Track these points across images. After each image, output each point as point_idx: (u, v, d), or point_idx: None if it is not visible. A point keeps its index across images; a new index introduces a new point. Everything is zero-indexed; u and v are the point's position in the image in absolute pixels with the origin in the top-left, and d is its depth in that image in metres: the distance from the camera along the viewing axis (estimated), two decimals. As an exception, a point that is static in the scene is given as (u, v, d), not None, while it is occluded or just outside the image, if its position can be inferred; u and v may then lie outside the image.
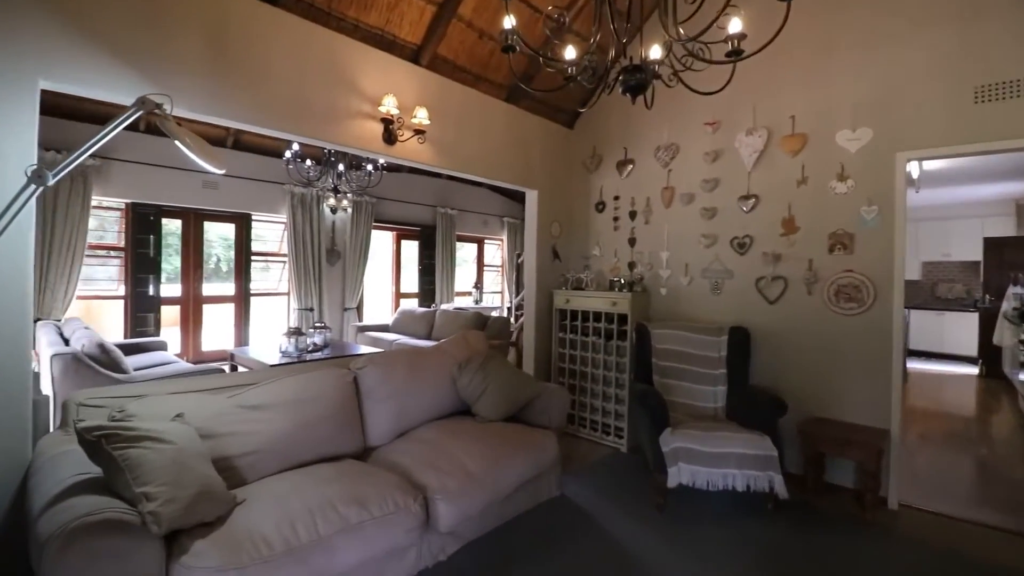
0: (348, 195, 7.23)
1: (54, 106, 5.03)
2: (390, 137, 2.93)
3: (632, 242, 4.13)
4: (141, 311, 5.83)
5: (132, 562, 1.38)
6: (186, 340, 6.32)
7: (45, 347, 3.29)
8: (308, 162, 5.28)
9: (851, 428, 3.00)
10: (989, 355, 6.68)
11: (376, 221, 7.68)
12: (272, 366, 4.35)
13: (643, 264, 4.04)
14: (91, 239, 5.72)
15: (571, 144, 4.45)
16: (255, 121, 2.48)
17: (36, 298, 4.92)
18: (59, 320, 4.55)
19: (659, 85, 2.09)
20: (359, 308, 7.70)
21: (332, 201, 7.20)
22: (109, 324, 5.82)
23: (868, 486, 2.83)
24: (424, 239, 8.41)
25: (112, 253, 5.81)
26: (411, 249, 8.46)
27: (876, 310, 3.02)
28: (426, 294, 8.48)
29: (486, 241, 9.56)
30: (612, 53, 1.88)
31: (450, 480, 2.17)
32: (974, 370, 7.18)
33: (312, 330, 5.50)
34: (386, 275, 8.46)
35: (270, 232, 7.09)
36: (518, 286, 8.69)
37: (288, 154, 4.89)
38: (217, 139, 6.23)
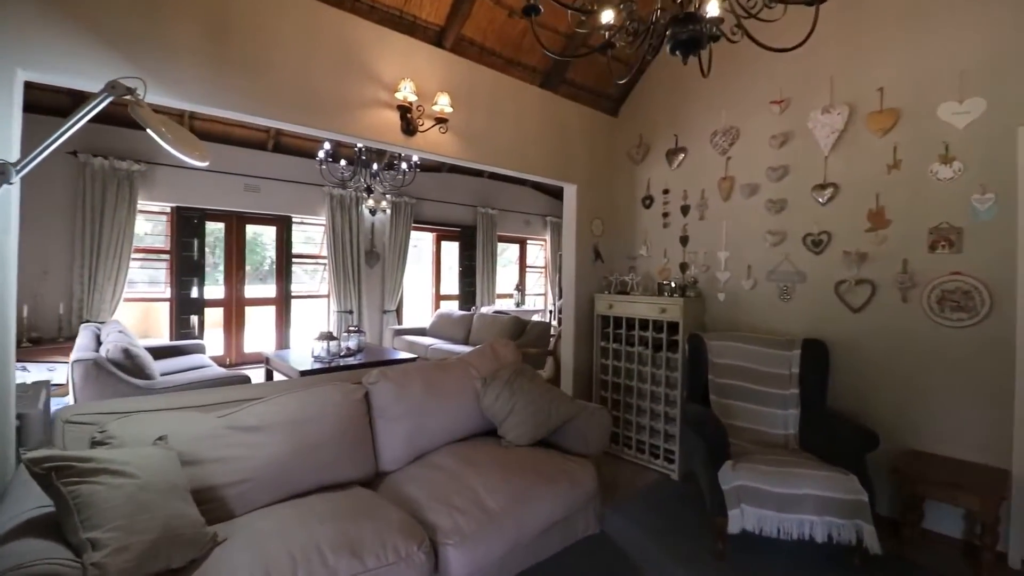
0: (387, 196, 7.12)
1: (99, 113, 5.14)
2: (409, 127, 2.66)
3: (684, 241, 3.67)
4: (185, 313, 5.91)
5: (63, 629, 1.15)
6: (228, 342, 6.38)
7: (75, 351, 3.25)
8: (342, 162, 5.14)
9: (960, 466, 2.45)
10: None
11: (415, 222, 7.53)
12: (303, 372, 4.22)
13: (697, 266, 3.58)
14: (144, 243, 5.87)
15: (615, 133, 4.04)
16: (259, 112, 2.27)
17: (85, 300, 5.04)
18: (101, 323, 4.61)
19: (718, 49, 1.70)
20: (398, 311, 7.57)
21: (371, 202, 7.10)
22: (156, 327, 5.95)
23: (983, 539, 2.28)
24: (464, 240, 8.18)
25: (159, 256, 5.93)
26: (451, 250, 8.26)
27: (993, 322, 2.44)
28: (466, 296, 8.25)
29: (528, 241, 9.23)
30: (658, 4, 1.50)
31: (465, 520, 1.86)
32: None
33: (346, 334, 5.37)
34: (426, 277, 8.30)
35: (311, 234, 7.08)
36: (561, 288, 8.32)
37: (321, 154, 4.75)
38: (258, 142, 6.25)
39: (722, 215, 3.46)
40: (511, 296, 8.57)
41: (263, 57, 2.26)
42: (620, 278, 3.76)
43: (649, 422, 3.44)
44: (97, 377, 3.00)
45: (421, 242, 8.15)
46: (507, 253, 9.42)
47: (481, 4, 2.91)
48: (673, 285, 3.43)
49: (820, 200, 3.01)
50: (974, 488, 2.27)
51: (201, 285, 6.01)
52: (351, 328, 5.36)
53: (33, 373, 3.72)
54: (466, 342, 6.11)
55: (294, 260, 6.89)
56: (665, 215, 3.78)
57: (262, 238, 7.06)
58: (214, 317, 6.26)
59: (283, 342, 6.71)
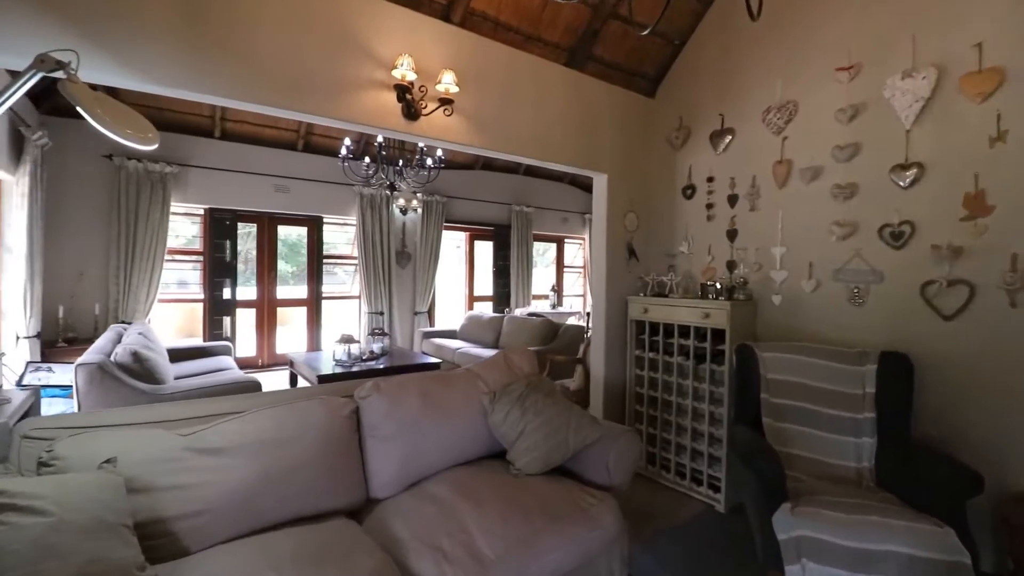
0: (417, 195, 6.94)
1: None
2: (411, 111, 2.38)
3: (732, 235, 3.21)
4: (217, 314, 5.94)
5: None
6: (260, 343, 6.37)
7: (87, 353, 3.18)
8: (366, 160, 4.96)
9: (1098, 519, 1.91)
10: None
11: (447, 221, 7.31)
12: (321, 376, 4.05)
13: (747, 264, 3.11)
14: (179, 244, 5.95)
15: (651, 116, 3.62)
16: (242, 96, 2.05)
17: (120, 301, 5.11)
18: (128, 323, 4.63)
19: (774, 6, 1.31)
20: (430, 312, 7.37)
21: (401, 201, 6.94)
22: (197, 327, 6.00)
23: None
24: (498, 239, 7.90)
25: (193, 258, 5.98)
26: (485, 250, 8.00)
27: None
28: (501, 297, 7.96)
29: (566, 240, 8.84)
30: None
31: (452, 571, 1.54)
32: None
33: (371, 337, 5.20)
34: (459, 278, 8.08)
35: (342, 235, 7.00)
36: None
37: (343, 151, 4.58)
38: (288, 142, 6.21)
39: (777, 204, 2.98)
40: (547, 297, 8.19)
41: (247, 35, 2.04)
42: (657, 278, 3.34)
43: (691, 443, 3.01)
44: (101, 381, 2.90)
45: (453, 242, 7.93)
46: (545, 253, 9.07)
47: (494, -28, 2.60)
48: (719, 286, 2.99)
49: (901, 183, 2.49)
50: (1120, 550, 1.74)
51: (233, 286, 6.03)
52: (375, 330, 5.18)
53: (58, 374, 3.72)
54: (495, 346, 5.81)
55: (325, 261, 6.83)
56: (709, 206, 3.32)
57: (293, 239, 7.04)
58: (247, 318, 6.27)
59: (315, 344, 6.65)
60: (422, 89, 2.38)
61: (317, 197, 6.45)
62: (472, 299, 7.96)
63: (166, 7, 1.89)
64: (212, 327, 5.89)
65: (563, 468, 2.18)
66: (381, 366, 4.58)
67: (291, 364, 4.89)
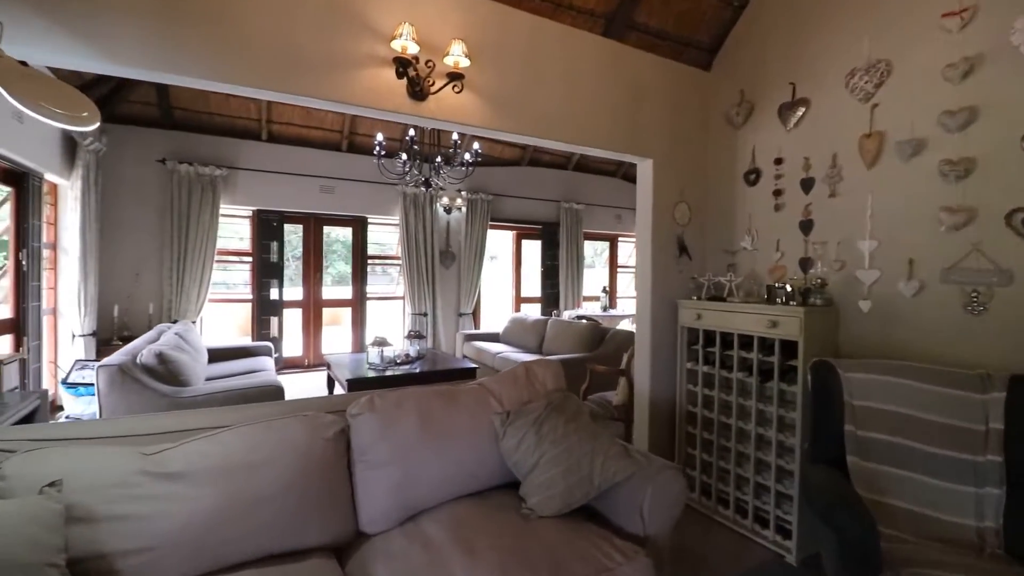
0: (461, 193, 6.74)
1: (184, 121, 5.36)
2: (416, 89, 2.09)
3: (806, 227, 2.68)
4: (265, 314, 6.01)
5: None
6: (307, 343, 6.41)
7: (116, 354, 3.18)
8: (403, 156, 4.78)
9: None
10: None
11: (493, 220, 7.07)
12: (350, 381, 3.89)
13: (826, 262, 2.58)
14: (229, 245, 6.09)
15: (706, 91, 3.14)
16: (225, 77, 1.85)
17: (173, 301, 5.25)
18: (176, 322, 4.71)
19: None
20: (475, 314, 7.15)
21: (445, 200, 6.77)
22: (243, 327, 6.13)
23: None
24: (547, 238, 7.55)
25: (242, 259, 6.10)
26: (532, 249, 7.67)
27: None
28: (549, 299, 7.61)
29: (619, 239, 8.33)
30: None
31: (429, 644, 1.23)
32: None
33: (407, 340, 5.02)
34: (505, 278, 7.80)
35: (388, 235, 6.93)
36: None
37: (377, 147, 4.41)
38: (332, 143, 6.20)
39: (865, 188, 2.43)
40: (598, 299, 7.74)
41: (228, 4, 1.84)
42: (714, 279, 2.87)
43: (754, 476, 2.52)
44: (122, 384, 2.86)
45: (500, 241, 7.67)
46: (602, 253, 8.60)
47: (515, -72, 2.27)
48: (789, 289, 2.48)
49: (1040, 155, 1.91)
50: None
51: (280, 286, 6.09)
52: (412, 333, 5.00)
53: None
54: (539, 350, 5.47)
55: (372, 261, 6.78)
56: (777, 193, 2.80)
57: (339, 239, 7.06)
58: (295, 318, 6.32)
59: (359, 344, 6.61)
60: (429, 64, 2.09)
61: (361, 197, 6.40)
62: (519, 300, 7.66)
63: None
64: (260, 327, 5.97)
65: (588, 507, 1.81)
66: (417, 370, 4.38)
67: (328, 367, 4.79)
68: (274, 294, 6.07)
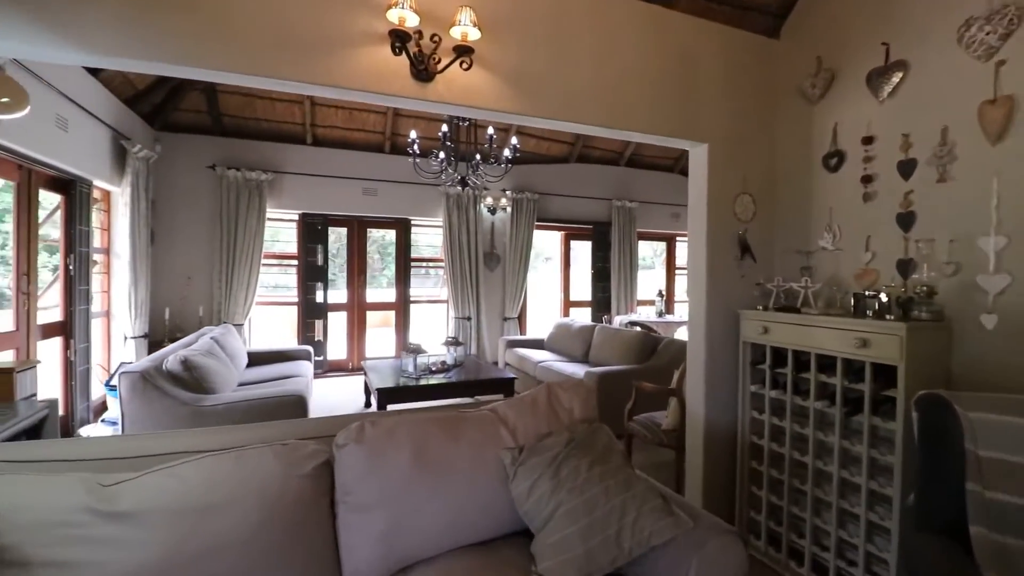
0: (506, 192, 6.47)
1: (233, 128, 5.45)
2: (421, 69, 1.82)
3: (906, 221, 2.15)
4: (310, 317, 6.03)
5: None
6: (351, 346, 6.38)
7: (143, 360, 3.15)
8: (440, 155, 4.57)
9: None
10: None
11: (540, 220, 6.74)
12: (381, 391, 3.71)
13: (934, 265, 2.04)
14: (275, 249, 6.17)
15: (774, 61, 2.65)
16: (205, 62, 1.67)
17: (223, 304, 5.35)
18: (225, 324, 4.75)
19: None
20: (520, 318, 6.85)
21: (489, 200, 6.52)
22: (290, 330, 6.17)
23: None
24: (597, 238, 7.13)
25: (290, 262, 6.15)
26: (582, 250, 7.27)
27: None
28: (600, 303, 7.18)
29: (677, 239, 7.74)
30: None
31: None
32: None
33: (443, 346, 4.81)
34: (553, 281, 7.45)
35: (434, 237, 6.78)
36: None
37: (412, 145, 4.22)
38: (375, 144, 6.12)
39: (989, 169, 1.89)
40: (653, 303, 7.21)
41: (209, -15, 1.65)
42: (784, 285, 2.40)
43: (836, 529, 2.04)
44: (143, 391, 2.80)
45: (547, 242, 7.34)
46: (661, 254, 8.05)
47: None
48: (884, 299, 1.98)
49: None
50: None
51: (325, 289, 6.09)
52: (450, 339, 4.78)
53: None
54: (585, 360, 5.08)
55: (416, 264, 6.66)
56: (867, 180, 2.28)
57: (382, 241, 7.00)
58: (339, 321, 6.31)
59: (402, 348, 6.49)
60: (434, 38, 1.81)
61: (404, 199, 6.29)
62: (568, 304, 7.28)
63: (115, -41, 1.56)
64: (305, 330, 6.00)
65: (619, 572, 1.45)
66: (453, 379, 4.15)
67: (364, 372, 4.66)
68: (319, 297, 6.07)
